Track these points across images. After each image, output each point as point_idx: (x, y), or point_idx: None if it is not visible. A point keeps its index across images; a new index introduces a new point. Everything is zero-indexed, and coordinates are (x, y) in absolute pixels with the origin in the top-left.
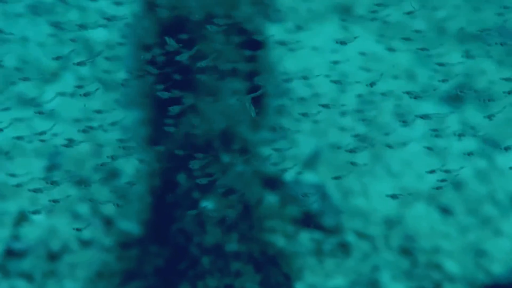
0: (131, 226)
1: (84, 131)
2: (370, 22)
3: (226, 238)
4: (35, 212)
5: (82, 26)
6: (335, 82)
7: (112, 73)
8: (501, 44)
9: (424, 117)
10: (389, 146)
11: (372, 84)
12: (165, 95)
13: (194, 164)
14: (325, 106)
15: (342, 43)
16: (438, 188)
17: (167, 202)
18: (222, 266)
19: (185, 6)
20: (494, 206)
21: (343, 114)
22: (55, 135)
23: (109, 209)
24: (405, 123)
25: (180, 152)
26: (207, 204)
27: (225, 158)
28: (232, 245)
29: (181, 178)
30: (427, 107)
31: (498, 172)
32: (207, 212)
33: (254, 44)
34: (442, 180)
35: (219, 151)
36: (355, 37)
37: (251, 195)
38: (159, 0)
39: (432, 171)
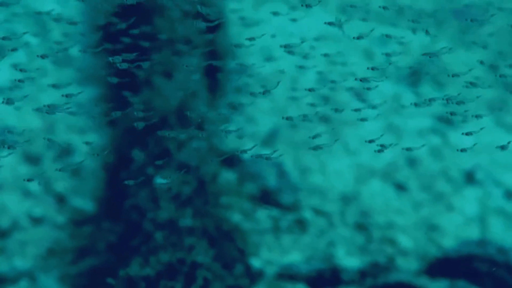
0: (84, 203)
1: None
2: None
3: (180, 214)
4: None
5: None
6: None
7: (67, 49)
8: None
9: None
10: (347, 123)
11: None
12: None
13: (149, 140)
14: (284, 83)
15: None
16: (393, 165)
17: (121, 179)
18: (176, 241)
19: None
20: (447, 182)
21: (302, 91)
22: (5, 111)
23: (61, 186)
24: (362, 101)
25: (135, 128)
26: (161, 180)
27: (181, 134)
28: (186, 220)
29: (136, 154)
30: (385, 85)
31: (451, 149)
32: (161, 188)
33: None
34: (397, 157)
35: (175, 127)
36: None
37: (206, 171)
38: None
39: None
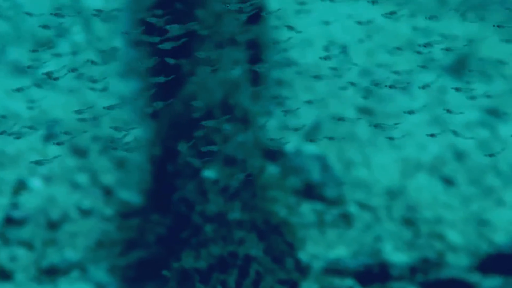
0: (131, 195)
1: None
2: None
3: (228, 207)
4: (34, 181)
5: None
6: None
7: (109, 41)
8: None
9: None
10: (391, 116)
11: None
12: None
13: (196, 133)
14: (326, 77)
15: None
16: (440, 158)
17: (167, 172)
18: (225, 234)
19: None
20: (496, 176)
21: (344, 84)
22: (52, 104)
23: (108, 179)
24: (407, 93)
25: (180, 121)
26: (209, 173)
27: (226, 127)
28: (235, 214)
29: (182, 147)
30: (429, 77)
31: (501, 142)
32: (209, 181)
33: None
34: (444, 150)
35: (220, 120)
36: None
37: (252, 165)
38: None
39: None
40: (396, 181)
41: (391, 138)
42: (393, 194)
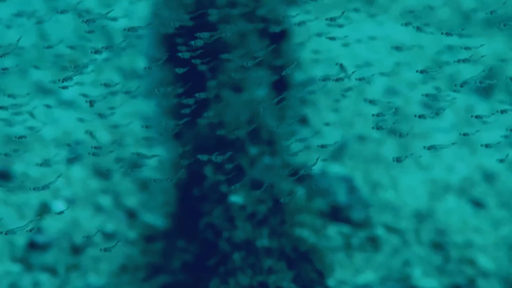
0: (155, 219)
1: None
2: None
3: (256, 234)
4: (57, 204)
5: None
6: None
7: (132, 61)
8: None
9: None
10: (417, 136)
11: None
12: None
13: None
14: (351, 96)
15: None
16: (469, 180)
17: (193, 196)
18: (254, 262)
19: None
20: None
21: (369, 104)
22: (75, 125)
23: (132, 201)
24: (433, 113)
25: (205, 144)
26: (236, 198)
27: (252, 150)
28: (263, 241)
29: (208, 170)
30: (457, 96)
31: None
32: (236, 207)
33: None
34: (473, 172)
35: (246, 143)
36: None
37: (280, 189)
38: None
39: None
40: (424, 203)
41: (418, 159)
42: (421, 217)
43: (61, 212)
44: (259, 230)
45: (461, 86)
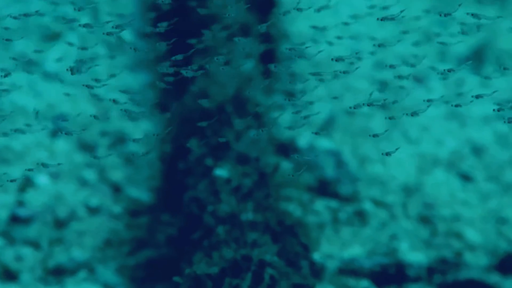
0: (140, 193)
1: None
2: None
3: (241, 207)
4: (40, 177)
5: None
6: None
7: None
8: None
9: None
10: (407, 110)
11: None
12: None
13: (206, 129)
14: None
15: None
16: (457, 154)
17: (178, 169)
18: (238, 236)
19: None
20: None
21: (358, 77)
22: (59, 98)
23: (117, 175)
24: (422, 86)
25: (190, 117)
26: (221, 172)
27: (238, 123)
28: (248, 215)
29: (193, 144)
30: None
31: None
32: (221, 180)
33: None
34: (462, 146)
35: (232, 116)
36: None
37: (266, 163)
38: None
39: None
40: (412, 177)
41: (407, 133)
42: (409, 191)
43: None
44: (244, 203)
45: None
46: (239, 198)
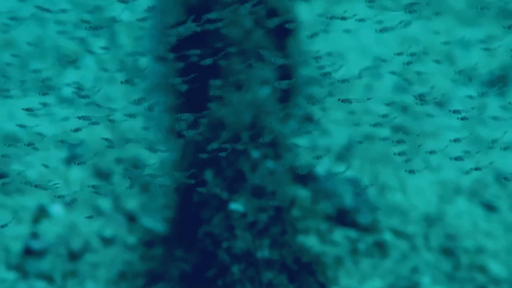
0: (155, 223)
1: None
2: None
3: (257, 244)
4: (55, 207)
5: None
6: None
7: (133, 56)
8: None
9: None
10: (427, 136)
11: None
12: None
13: (222, 160)
14: (358, 91)
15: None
16: (480, 182)
17: (193, 201)
18: (254, 275)
19: None
20: None
21: (377, 101)
22: (74, 123)
23: (131, 204)
24: (444, 110)
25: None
26: (236, 206)
27: (255, 153)
28: (264, 252)
29: (208, 175)
30: (469, 93)
31: None
32: (236, 215)
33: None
34: (485, 174)
35: (248, 145)
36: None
37: (283, 195)
38: None
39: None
40: (433, 206)
41: (428, 160)
42: (430, 220)
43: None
44: (259, 240)
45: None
46: (254, 234)
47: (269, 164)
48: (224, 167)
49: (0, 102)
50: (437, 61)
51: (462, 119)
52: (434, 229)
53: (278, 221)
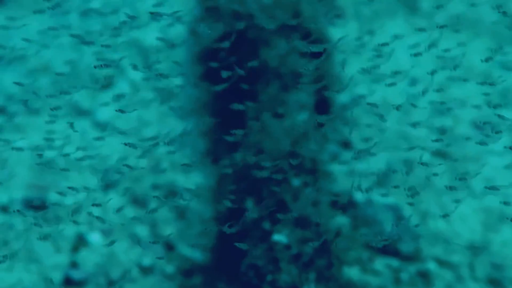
0: (193, 252)
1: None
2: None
3: (303, 278)
4: (93, 235)
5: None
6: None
7: (168, 79)
8: None
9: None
10: (469, 160)
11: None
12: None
13: (263, 187)
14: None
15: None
16: None
17: (234, 229)
18: None
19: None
20: None
21: (416, 124)
22: (110, 148)
23: (169, 231)
24: (486, 134)
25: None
26: (280, 237)
27: (295, 181)
28: (310, 286)
29: (249, 203)
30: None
31: None
32: (280, 247)
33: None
34: None
35: (288, 173)
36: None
37: (327, 226)
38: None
39: None
40: (478, 234)
41: (471, 185)
42: (476, 249)
43: None
44: (305, 273)
45: None
46: (300, 267)
47: (310, 192)
48: (265, 196)
49: (37, 126)
50: (477, 83)
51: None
52: (480, 259)
53: (323, 253)
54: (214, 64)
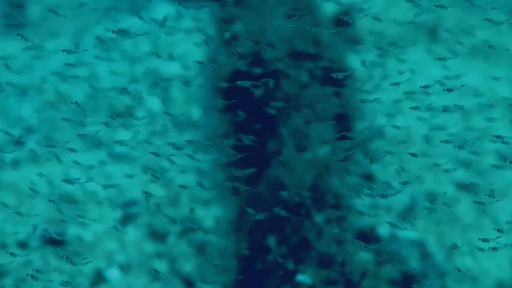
0: None
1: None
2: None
3: None
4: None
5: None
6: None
7: (186, 111)
8: None
9: None
10: (496, 193)
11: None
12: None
13: (285, 223)
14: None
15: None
16: None
17: (255, 267)
18: None
19: (265, 40)
20: None
21: (439, 157)
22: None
23: (188, 267)
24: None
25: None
26: (304, 278)
27: (318, 217)
28: None
29: (271, 242)
30: None
31: None
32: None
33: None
34: None
35: (311, 209)
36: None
37: (352, 266)
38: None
39: None
40: (507, 272)
41: (497, 219)
42: (504, 287)
43: None
44: None
45: None
46: None
47: (334, 229)
48: (288, 233)
49: (55, 161)
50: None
51: None
52: None
53: None
54: (233, 98)
